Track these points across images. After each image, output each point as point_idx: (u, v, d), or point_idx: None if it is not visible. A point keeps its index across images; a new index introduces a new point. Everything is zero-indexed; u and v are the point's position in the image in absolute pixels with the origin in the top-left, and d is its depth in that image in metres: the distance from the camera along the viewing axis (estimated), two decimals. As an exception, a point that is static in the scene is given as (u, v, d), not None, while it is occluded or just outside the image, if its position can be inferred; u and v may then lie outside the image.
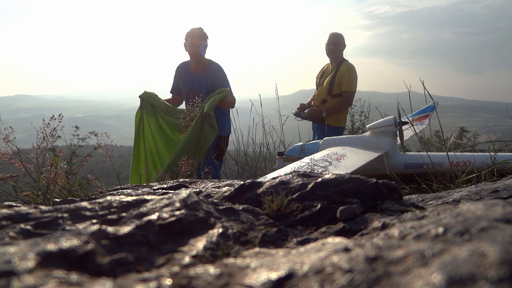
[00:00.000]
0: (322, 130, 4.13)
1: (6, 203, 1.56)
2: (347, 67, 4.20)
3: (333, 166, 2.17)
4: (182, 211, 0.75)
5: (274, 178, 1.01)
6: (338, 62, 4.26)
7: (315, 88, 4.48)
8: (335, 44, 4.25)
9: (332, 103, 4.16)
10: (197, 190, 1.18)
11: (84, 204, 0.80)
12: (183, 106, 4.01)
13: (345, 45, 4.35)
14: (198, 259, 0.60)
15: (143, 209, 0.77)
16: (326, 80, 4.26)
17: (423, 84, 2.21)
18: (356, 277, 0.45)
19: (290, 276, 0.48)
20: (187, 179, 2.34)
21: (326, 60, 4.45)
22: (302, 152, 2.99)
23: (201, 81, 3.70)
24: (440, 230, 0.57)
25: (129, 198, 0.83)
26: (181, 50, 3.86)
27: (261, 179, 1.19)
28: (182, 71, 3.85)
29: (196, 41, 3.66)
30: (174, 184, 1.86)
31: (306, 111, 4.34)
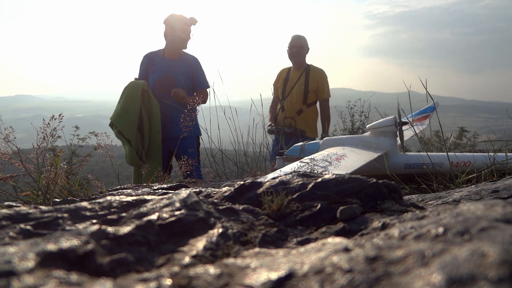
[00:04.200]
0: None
1: (6, 203, 1.56)
2: (320, 73, 3.97)
3: (333, 166, 2.17)
4: (182, 211, 0.75)
5: (274, 178, 1.01)
6: (304, 67, 3.98)
7: (279, 96, 4.12)
8: (299, 47, 3.93)
9: (309, 112, 3.94)
10: (197, 190, 1.18)
11: (84, 204, 0.80)
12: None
13: (308, 48, 4.05)
14: (198, 259, 0.60)
15: (143, 209, 0.77)
16: (295, 88, 3.97)
17: (425, 84, 2.21)
18: (356, 277, 0.45)
19: (290, 276, 0.48)
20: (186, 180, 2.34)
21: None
22: (302, 152, 2.99)
23: (178, 68, 3.55)
24: (440, 230, 0.57)
25: (129, 198, 0.83)
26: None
27: (261, 179, 1.19)
28: (152, 59, 3.63)
29: (180, 29, 3.51)
30: (174, 184, 1.86)
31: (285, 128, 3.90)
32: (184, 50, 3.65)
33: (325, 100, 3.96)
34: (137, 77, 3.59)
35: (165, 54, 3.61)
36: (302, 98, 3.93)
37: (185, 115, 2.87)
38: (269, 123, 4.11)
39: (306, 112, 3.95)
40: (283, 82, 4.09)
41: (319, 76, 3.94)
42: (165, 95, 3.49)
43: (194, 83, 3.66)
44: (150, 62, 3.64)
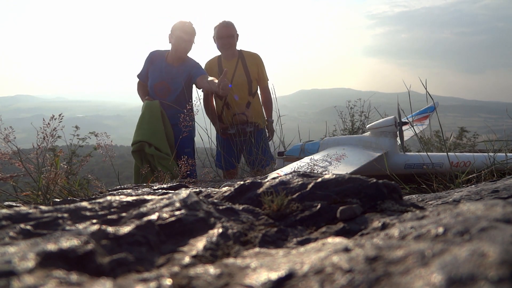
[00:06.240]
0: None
1: (6, 203, 1.56)
2: (256, 58, 3.65)
3: (333, 166, 2.17)
4: (182, 211, 0.75)
5: (274, 178, 1.01)
6: (237, 56, 3.64)
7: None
8: (229, 37, 3.54)
9: (255, 102, 3.67)
10: (197, 190, 1.19)
11: (84, 204, 0.80)
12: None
13: (238, 35, 3.62)
14: (198, 259, 0.60)
15: (143, 209, 0.77)
16: (236, 80, 3.59)
17: (425, 84, 2.21)
18: (356, 277, 0.45)
19: (290, 276, 0.48)
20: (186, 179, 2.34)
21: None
22: (302, 152, 2.99)
23: (177, 74, 3.47)
24: (440, 230, 0.57)
25: (129, 198, 0.83)
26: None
27: (261, 179, 1.19)
28: (155, 59, 3.55)
29: (184, 35, 3.42)
30: (174, 184, 1.86)
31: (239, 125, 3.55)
32: (187, 55, 3.55)
33: (266, 86, 3.73)
34: (148, 96, 3.52)
35: (168, 58, 3.55)
36: (247, 89, 3.61)
37: (184, 115, 2.89)
38: (218, 124, 3.69)
39: (253, 104, 3.65)
40: (218, 75, 3.55)
41: (257, 62, 3.64)
42: (161, 99, 3.46)
43: (191, 80, 3.52)
44: (152, 62, 3.59)
